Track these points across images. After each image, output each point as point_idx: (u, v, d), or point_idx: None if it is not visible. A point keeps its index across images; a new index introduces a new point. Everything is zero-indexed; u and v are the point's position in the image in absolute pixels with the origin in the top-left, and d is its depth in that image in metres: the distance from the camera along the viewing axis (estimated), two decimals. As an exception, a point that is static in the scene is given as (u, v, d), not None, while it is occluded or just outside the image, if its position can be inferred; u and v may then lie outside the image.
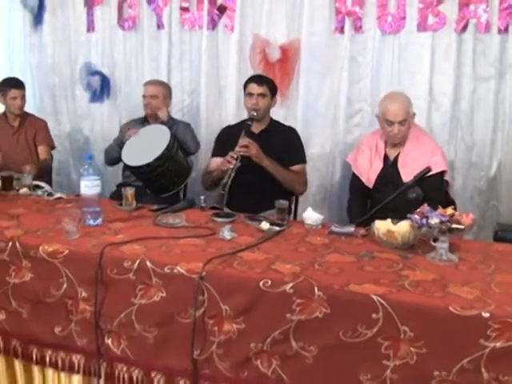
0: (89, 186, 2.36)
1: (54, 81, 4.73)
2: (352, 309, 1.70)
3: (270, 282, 1.78)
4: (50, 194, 2.92)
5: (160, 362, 1.95)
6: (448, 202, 2.87)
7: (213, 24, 4.13)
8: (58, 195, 2.90)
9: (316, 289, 1.73)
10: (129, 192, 2.68)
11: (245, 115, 3.56)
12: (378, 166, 3.03)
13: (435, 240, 2.09)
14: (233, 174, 3.03)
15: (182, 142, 3.61)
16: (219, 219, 2.47)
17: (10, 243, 2.14)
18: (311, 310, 1.74)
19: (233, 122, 3.78)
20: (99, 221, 2.38)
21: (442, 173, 2.90)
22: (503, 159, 3.62)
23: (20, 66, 4.80)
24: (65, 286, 2.05)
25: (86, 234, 2.24)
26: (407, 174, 2.82)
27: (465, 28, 3.54)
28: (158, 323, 1.94)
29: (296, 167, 3.29)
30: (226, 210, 2.92)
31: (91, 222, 2.36)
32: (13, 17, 4.77)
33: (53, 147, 4.13)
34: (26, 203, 2.79)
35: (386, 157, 3.04)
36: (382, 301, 1.66)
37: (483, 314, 1.57)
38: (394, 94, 3.07)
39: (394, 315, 1.64)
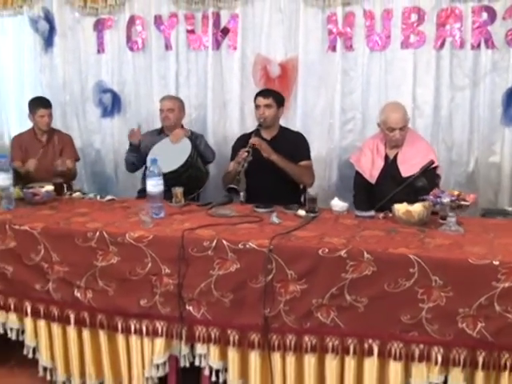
0: (154, 185, 2.79)
1: (65, 98, 5.04)
2: (393, 266, 2.21)
3: (327, 250, 2.28)
4: (101, 197, 3.33)
5: (235, 321, 2.41)
6: (439, 192, 3.40)
7: (217, 44, 4.58)
8: (109, 197, 3.32)
9: (365, 252, 2.23)
10: (178, 191, 3.15)
11: (248, 125, 4.12)
12: (380, 164, 3.51)
13: (443, 218, 2.63)
14: (246, 165, 3.49)
15: (202, 151, 4.06)
16: (261, 210, 2.95)
17: (98, 232, 2.56)
18: (361, 270, 2.24)
19: (236, 132, 4.31)
20: (162, 214, 2.82)
21: (435, 168, 3.43)
22: (479, 156, 4.17)
23: (31, 85, 5.11)
24: (149, 265, 2.49)
25: (157, 224, 2.68)
26: (405, 169, 3.34)
27: (442, 45, 4.10)
28: (234, 289, 2.40)
29: (303, 163, 3.80)
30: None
31: (156, 215, 2.79)
32: (23, 40, 5.08)
33: (77, 159, 4.49)
34: (85, 204, 3.18)
35: (386, 156, 3.54)
36: (416, 258, 2.18)
37: (494, 262, 2.12)
38: (393, 105, 3.54)
39: (427, 268, 2.17)
